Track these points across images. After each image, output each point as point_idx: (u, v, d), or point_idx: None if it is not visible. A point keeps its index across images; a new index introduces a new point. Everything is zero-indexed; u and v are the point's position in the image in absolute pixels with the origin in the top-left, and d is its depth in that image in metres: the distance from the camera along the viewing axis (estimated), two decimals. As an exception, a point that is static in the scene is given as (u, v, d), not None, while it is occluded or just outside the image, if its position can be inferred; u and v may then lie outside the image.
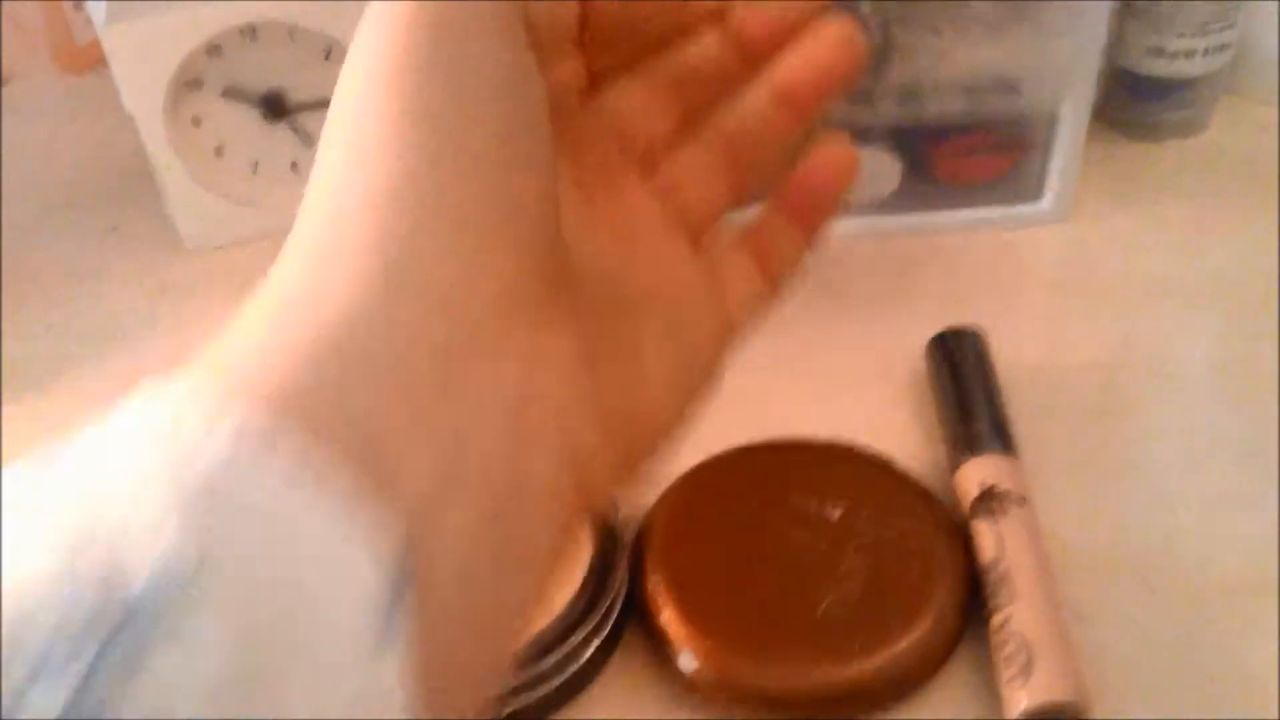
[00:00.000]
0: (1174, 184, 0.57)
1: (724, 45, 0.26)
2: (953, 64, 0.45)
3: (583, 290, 0.24)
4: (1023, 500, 0.40)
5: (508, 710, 0.37)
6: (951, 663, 0.38)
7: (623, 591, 0.39)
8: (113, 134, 0.63)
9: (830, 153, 0.27)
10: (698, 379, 0.26)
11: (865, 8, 0.43)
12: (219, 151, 0.57)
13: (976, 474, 0.41)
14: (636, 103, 0.27)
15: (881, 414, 0.46)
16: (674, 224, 0.27)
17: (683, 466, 0.43)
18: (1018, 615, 0.37)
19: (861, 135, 0.45)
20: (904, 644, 0.37)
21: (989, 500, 0.40)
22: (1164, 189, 0.57)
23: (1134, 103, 0.58)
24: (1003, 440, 0.42)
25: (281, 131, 0.57)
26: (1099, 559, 0.41)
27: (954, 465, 0.42)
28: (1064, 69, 0.44)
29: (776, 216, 0.28)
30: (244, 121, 0.57)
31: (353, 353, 0.19)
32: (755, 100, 0.27)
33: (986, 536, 0.39)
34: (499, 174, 0.21)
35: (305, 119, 0.57)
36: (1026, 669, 0.35)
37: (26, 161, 0.66)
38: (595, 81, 0.26)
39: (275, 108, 0.57)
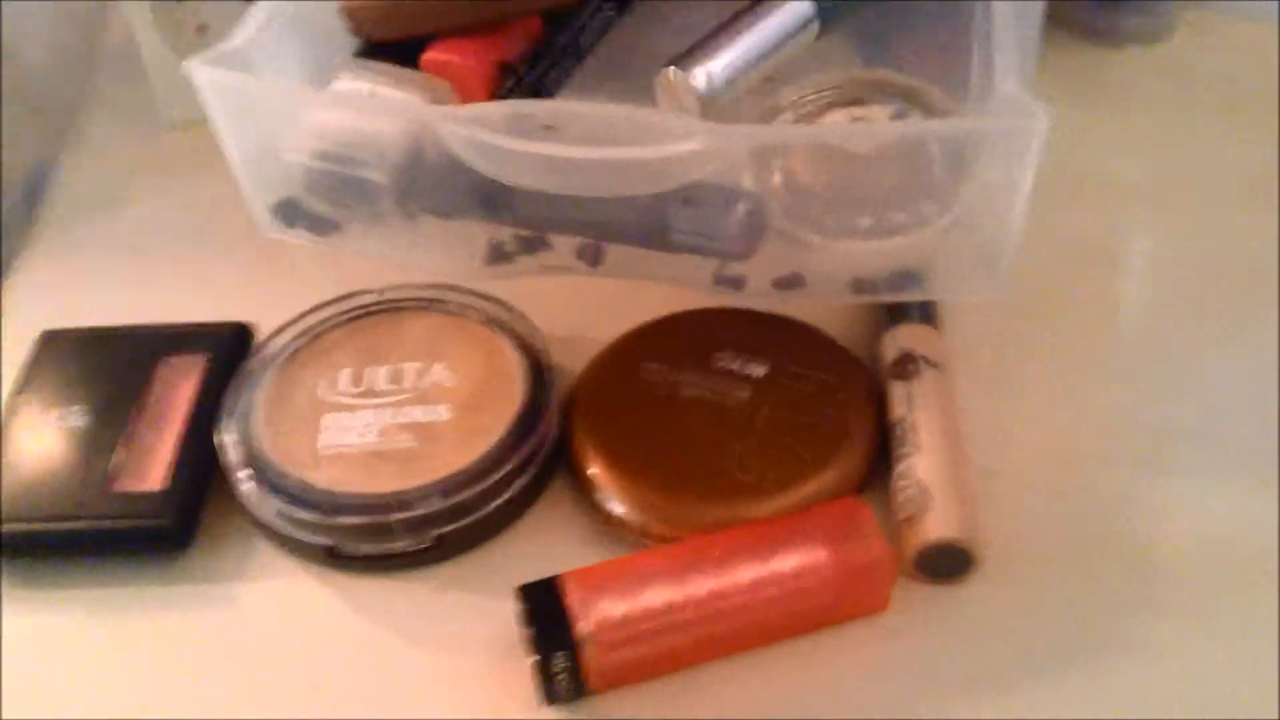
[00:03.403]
0: (1133, 88, 0.58)
1: None
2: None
3: None
4: (937, 366, 0.42)
5: (434, 534, 0.39)
6: (856, 508, 0.40)
7: (551, 436, 0.41)
8: (105, 19, 0.66)
9: None
10: None
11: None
12: (200, 30, 0.59)
13: (896, 341, 0.43)
14: None
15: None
16: None
17: (612, 334, 0.45)
18: (919, 464, 0.39)
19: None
20: (811, 486, 0.39)
21: (904, 364, 0.42)
22: (1123, 92, 0.58)
23: (1094, 6, 0.59)
24: (924, 312, 0.44)
25: (260, 13, 0.59)
26: (1011, 425, 0.43)
27: (878, 334, 0.44)
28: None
29: None
30: (226, 3, 0.58)
31: None
32: None
33: (898, 395, 0.41)
34: None
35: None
36: (922, 511, 0.38)
37: (25, 46, 0.69)
38: None
39: (255, -10, 0.58)
